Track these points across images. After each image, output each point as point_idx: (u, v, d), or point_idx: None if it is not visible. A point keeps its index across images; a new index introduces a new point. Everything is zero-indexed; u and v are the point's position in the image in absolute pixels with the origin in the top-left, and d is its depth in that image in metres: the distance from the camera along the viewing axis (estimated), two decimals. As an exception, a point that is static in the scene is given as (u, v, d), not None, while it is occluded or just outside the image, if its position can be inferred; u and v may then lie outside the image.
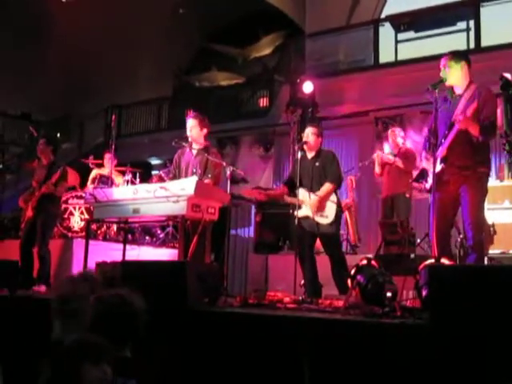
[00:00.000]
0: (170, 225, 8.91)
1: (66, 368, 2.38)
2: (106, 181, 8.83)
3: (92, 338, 2.52)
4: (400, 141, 8.35)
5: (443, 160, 4.78)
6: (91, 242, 6.65)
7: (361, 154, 11.98)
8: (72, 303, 3.12)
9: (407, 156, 8.14)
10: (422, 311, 3.72)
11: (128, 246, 6.96)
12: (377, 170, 8.34)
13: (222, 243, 6.57)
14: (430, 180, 4.83)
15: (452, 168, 4.76)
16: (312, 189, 6.15)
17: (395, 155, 8.21)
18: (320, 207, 6.07)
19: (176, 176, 6.34)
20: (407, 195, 8.14)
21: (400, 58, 12.45)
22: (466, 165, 4.73)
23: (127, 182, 8.87)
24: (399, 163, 8.02)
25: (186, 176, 6.20)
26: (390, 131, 8.74)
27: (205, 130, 6.40)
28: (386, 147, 8.64)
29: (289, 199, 6.42)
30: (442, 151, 4.78)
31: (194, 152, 6.36)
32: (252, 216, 11.23)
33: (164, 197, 5.61)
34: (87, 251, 6.24)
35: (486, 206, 5.62)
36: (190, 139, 6.36)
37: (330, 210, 6.08)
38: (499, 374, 3.04)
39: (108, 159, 8.95)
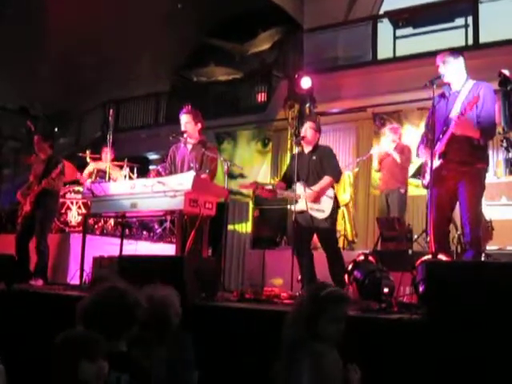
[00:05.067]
0: (168, 220, 8.90)
1: (64, 365, 2.38)
2: (103, 175, 8.82)
3: (87, 334, 2.52)
4: (395, 137, 8.30)
5: (442, 155, 4.78)
6: (88, 237, 6.66)
7: (358, 150, 11.99)
8: None
9: (403, 151, 8.13)
10: (418, 307, 3.73)
11: (125, 241, 6.95)
12: (375, 166, 8.34)
13: (220, 238, 6.57)
14: (427, 176, 4.83)
15: (451, 164, 4.76)
16: (308, 183, 6.14)
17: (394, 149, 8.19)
18: (316, 199, 6.05)
19: (172, 172, 6.32)
20: (402, 191, 8.12)
21: (398, 54, 12.41)
22: (465, 160, 4.73)
23: (125, 176, 8.86)
24: (396, 156, 8.00)
25: (181, 171, 6.18)
26: (384, 129, 8.73)
27: (199, 125, 6.39)
28: (384, 143, 8.61)
29: (285, 193, 6.42)
30: (440, 147, 4.78)
31: (189, 147, 6.35)
32: (249, 211, 11.23)
33: (162, 191, 5.62)
34: (84, 246, 6.24)
35: (484, 202, 5.63)
36: (185, 134, 6.36)
37: (327, 204, 6.06)
38: (496, 370, 3.05)
39: (105, 153, 8.94)
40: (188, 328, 3.99)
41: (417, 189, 9.75)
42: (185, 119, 6.35)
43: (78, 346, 2.41)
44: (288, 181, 6.39)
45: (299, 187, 6.12)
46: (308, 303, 2.89)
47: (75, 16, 14.88)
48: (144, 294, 3.31)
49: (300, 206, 6.10)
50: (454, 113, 4.79)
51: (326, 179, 6.11)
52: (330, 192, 6.15)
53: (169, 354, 3.30)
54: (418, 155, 5.29)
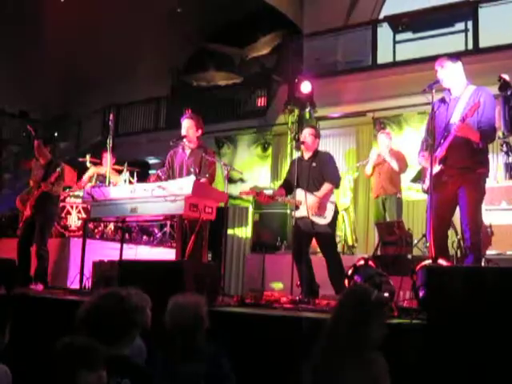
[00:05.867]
0: (168, 224, 8.89)
1: (63, 373, 2.37)
2: (103, 180, 8.81)
3: (87, 342, 2.51)
4: (389, 143, 8.28)
5: (442, 161, 4.78)
6: (88, 241, 6.65)
7: (358, 154, 11.99)
8: None
9: (398, 157, 8.12)
10: (419, 312, 3.73)
11: (125, 245, 6.93)
12: (368, 170, 8.28)
13: (220, 243, 6.56)
14: (427, 181, 4.83)
15: (451, 169, 4.76)
16: (308, 189, 6.14)
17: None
18: (320, 208, 6.06)
19: (170, 177, 6.33)
20: (398, 196, 8.12)
21: (398, 58, 12.43)
22: (466, 165, 4.73)
23: (125, 180, 8.86)
24: (394, 164, 7.98)
25: (180, 176, 6.19)
26: (378, 134, 8.69)
27: (200, 131, 6.41)
28: (380, 147, 8.59)
29: (286, 199, 6.43)
30: (441, 152, 4.78)
31: (188, 152, 6.35)
32: (249, 216, 11.23)
33: (162, 196, 5.61)
34: (84, 250, 6.23)
35: (484, 207, 5.62)
36: (185, 139, 6.36)
37: (329, 210, 6.08)
38: (496, 375, 3.05)
39: (105, 158, 8.93)
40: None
41: (417, 193, 9.75)
42: (187, 124, 6.36)
43: (78, 355, 2.40)
44: (288, 187, 6.39)
45: (300, 193, 6.12)
46: (356, 308, 2.81)
47: (75, 20, 14.90)
48: (172, 300, 3.34)
49: (301, 212, 6.11)
50: (455, 118, 4.79)
51: (327, 186, 6.12)
52: (332, 197, 6.17)
53: (203, 369, 3.27)
54: (419, 162, 5.28)
